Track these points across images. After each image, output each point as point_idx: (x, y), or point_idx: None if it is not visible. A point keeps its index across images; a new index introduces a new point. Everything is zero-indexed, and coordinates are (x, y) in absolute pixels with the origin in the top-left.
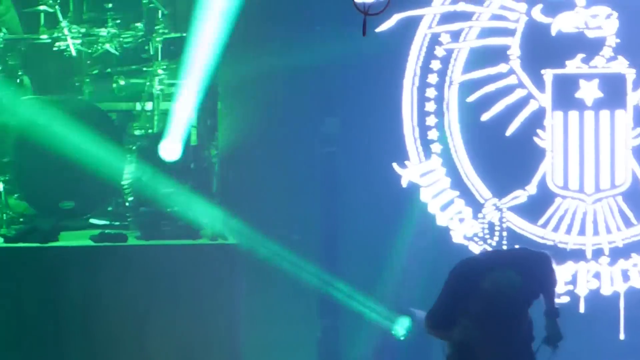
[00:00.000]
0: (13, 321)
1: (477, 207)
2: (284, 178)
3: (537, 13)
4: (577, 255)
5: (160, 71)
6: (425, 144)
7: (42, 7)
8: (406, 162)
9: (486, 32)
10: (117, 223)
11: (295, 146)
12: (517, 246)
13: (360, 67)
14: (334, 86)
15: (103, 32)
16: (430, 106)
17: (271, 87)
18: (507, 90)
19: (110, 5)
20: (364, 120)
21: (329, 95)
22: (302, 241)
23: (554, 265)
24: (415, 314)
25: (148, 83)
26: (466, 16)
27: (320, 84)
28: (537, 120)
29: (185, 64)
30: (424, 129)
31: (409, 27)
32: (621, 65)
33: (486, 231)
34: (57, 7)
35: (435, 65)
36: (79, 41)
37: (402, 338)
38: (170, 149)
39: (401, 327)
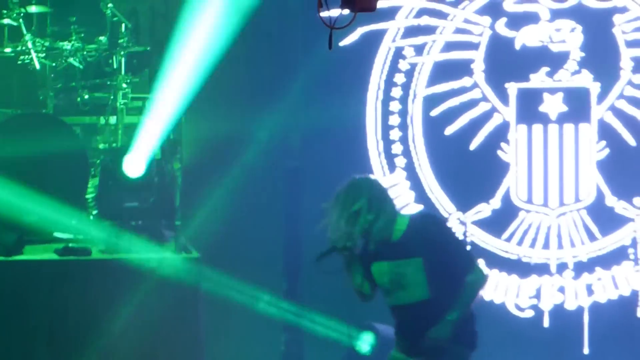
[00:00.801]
0: None
1: None
2: (247, 192)
3: (501, 27)
4: (542, 269)
5: (124, 85)
6: (389, 157)
7: (5, 21)
8: (370, 176)
9: (450, 46)
10: (82, 236)
11: (258, 160)
12: None
13: (324, 80)
14: (298, 100)
15: (67, 45)
16: (394, 120)
17: (234, 101)
18: (471, 104)
19: (74, 19)
20: (328, 134)
21: (293, 109)
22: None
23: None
24: (379, 329)
25: (112, 97)
26: (430, 30)
27: (285, 97)
28: (501, 134)
29: (151, 78)
30: (388, 142)
31: (373, 41)
32: (585, 79)
33: None
34: (21, 20)
35: (399, 79)
36: (43, 55)
37: (367, 354)
38: (135, 165)
39: (365, 343)
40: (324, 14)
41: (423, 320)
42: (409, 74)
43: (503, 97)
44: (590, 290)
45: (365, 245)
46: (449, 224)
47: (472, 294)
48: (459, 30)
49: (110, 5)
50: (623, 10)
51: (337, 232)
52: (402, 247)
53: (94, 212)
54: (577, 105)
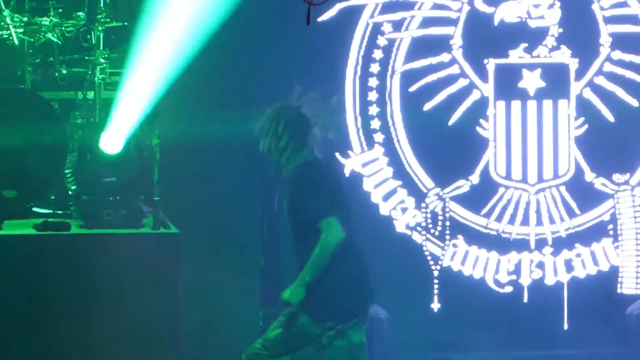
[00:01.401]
0: None
1: (419, 196)
2: (224, 168)
3: (479, 2)
4: (521, 245)
5: (102, 60)
6: (368, 133)
7: None
8: (349, 152)
9: (428, 22)
10: (60, 212)
11: (236, 135)
12: None
13: (302, 56)
14: (275, 76)
15: (45, 21)
16: (372, 95)
17: (211, 77)
18: (450, 79)
19: None
20: None
21: (271, 85)
22: (242, 231)
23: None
24: None
25: (90, 72)
26: (408, 5)
27: (262, 73)
28: (479, 110)
29: (129, 53)
30: (366, 118)
31: (350, 17)
32: (564, 55)
33: (429, 221)
34: None
35: (378, 54)
36: (21, 30)
37: None
38: (112, 142)
39: None
40: None
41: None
42: (387, 50)
43: (481, 73)
44: (569, 266)
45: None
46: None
47: (322, 253)
48: (437, 6)
49: None
50: None
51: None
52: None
53: (73, 187)
54: (556, 82)
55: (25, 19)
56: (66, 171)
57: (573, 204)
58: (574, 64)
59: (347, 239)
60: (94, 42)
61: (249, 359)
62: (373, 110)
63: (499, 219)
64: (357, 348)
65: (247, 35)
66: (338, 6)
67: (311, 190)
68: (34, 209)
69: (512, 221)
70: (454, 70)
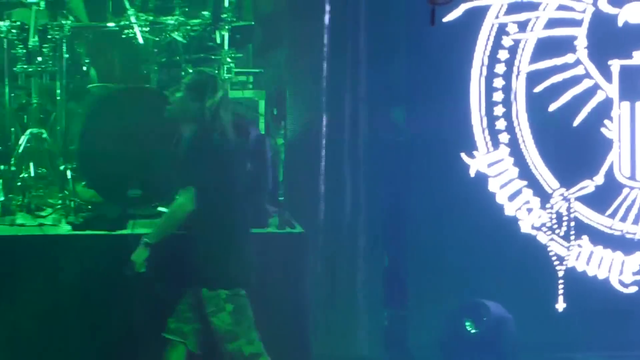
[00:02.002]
0: (78, 306)
1: (544, 197)
2: (349, 167)
3: (603, 4)
4: None
5: (227, 59)
6: (493, 133)
7: None
8: (474, 152)
9: (553, 23)
10: None
11: (362, 135)
12: None
13: (428, 57)
14: (401, 76)
15: (170, 20)
16: (498, 96)
17: (338, 77)
18: (575, 80)
19: None
20: (432, 110)
21: (397, 85)
22: (369, 231)
23: None
24: (489, 307)
25: (215, 71)
26: (533, 6)
27: (389, 73)
28: (604, 110)
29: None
30: (491, 118)
31: (476, 17)
32: None
33: (554, 221)
34: None
35: (503, 55)
36: (146, 29)
37: (474, 331)
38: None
39: (473, 320)
40: None
41: None
42: (513, 51)
43: (606, 74)
44: None
45: None
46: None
47: (167, 218)
48: (561, 7)
49: None
50: None
51: None
52: None
53: None
54: None
55: (150, 18)
56: None
57: None
58: None
59: (226, 217)
60: (219, 41)
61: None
62: (498, 110)
63: (623, 219)
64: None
65: (375, 36)
66: (463, 7)
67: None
68: (159, 209)
69: (636, 221)
70: (579, 71)
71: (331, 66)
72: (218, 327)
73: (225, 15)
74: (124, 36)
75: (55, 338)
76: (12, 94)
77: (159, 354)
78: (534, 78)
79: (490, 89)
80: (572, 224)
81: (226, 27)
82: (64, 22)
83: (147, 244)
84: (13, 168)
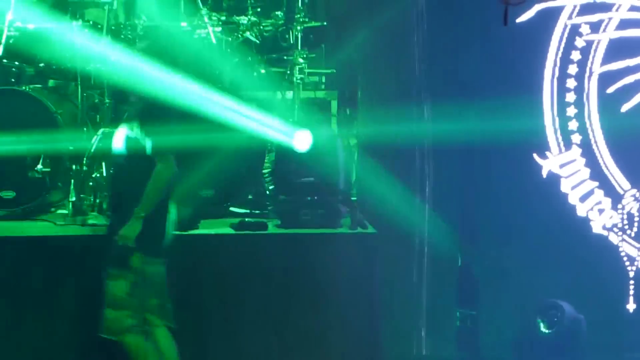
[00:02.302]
0: None
1: (616, 197)
2: (422, 166)
3: None
4: None
5: (300, 60)
6: (565, 134)
7: None
8: (547, 153)
9: (626, 24)
10: (258, 211)
11: (435, 137)
12: None
13: (501, 57)
14: (474, 77)
15: (243, 20)
16: (570, 97)
17: (409, 77)
18: None
19: None
20: (504, 111)
21: (470, 86)
22: (441, 231)
23: None
24: (564, 307)
25: (288, 72)
26: (606, 7)
27: (461, 74)
28: None
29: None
30: (564, 119)
31: (549, 18)
32: None
33: (625, 222)
34: None
35: (575, 56)
36: (219, 29)
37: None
38: (303, 138)
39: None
40: None
41: None
42: (585, 51)
43: None
44: None
45: None
46: None
47: (154, 184)
48: (634, 8)
49: None
50: None
51: None
52: None
53: (271, 187)
54: None
55: (223, 17)
56: (264, 171)
57: None
58: None
59: None
60: (292, 41)
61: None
62: (571, 111)
63: None
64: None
65: (446, 35)
66: (536, 7)
67: None
68: (231, 209)
69: None
70: None
71: (403, 66)
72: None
73: (298, 16)
74: (196, 36)
75: None
76: (85, 94)
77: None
78: (606, 79)
79: (562, 90)
80: None
81: (299, 27)
82: (136, 21)
83: (140, 217)
84: (85, 168)
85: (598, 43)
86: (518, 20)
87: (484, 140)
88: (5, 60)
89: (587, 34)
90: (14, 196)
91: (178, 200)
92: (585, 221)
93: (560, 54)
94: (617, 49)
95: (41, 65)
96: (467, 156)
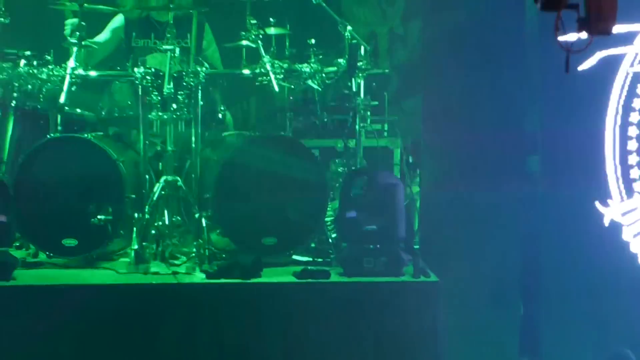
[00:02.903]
0: (214, 356)
1: None
2: (483, 215)
3: None
4: None
5: (363, 107)
6: (628, 182)
7: (244, 42)
8: (608, 201)
9: None
10: (320, 259)
11: (496, 184)
12: None
13: (562, 104)
14: (535, 124)
15: (306, 67)
16: (632, 145)
17: (471, 126)
18: None
19: (312, 41)
20: (565, 159)
21: (531, 134)
22: (504, 279)
23: None
24: (629, 356)
25: (351, 119)
26: None
27: (523, 122)
28: None
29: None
30: (626, 167)
31: (610, 66)
32: None
33: None
34: (259, 42)
35: (637, 104)
36: (281, 77)
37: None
38: (365, 186)
39: None
40: (561, 37)
41: None
42: None
43: None
44: None
45: None
46: None
47: None
48: None
49: (349, 27)
50: None
51: None
52: None
53: (333, 235)
54: None
55: (285, 65)
56: (326, 219)
57: None
58: None
59: None
60: (354, 89)
61: None
62: (633, 159)
63: None
64: None
65: (508, 84)
66: (598, 55)
67: None
68: (294, 257)
69: None
70: None
71: (464, 115)
72: None
73: (361, 63)
74: (258, 83)
75: None
76: (147, 142)
77: None
78: None
79: (624, 138)
80: None
81: (362, 75)
82: (199, 69)
83: None
84: (147, 216)
85: None
86: (580, 68)
87: (546, 188)
88: (67, 108)
89: None
90: (76, 244)
91: (240, 248)
92: None
93: (622, 102)
94: None
95: (103, 112)
96: (531, 204)
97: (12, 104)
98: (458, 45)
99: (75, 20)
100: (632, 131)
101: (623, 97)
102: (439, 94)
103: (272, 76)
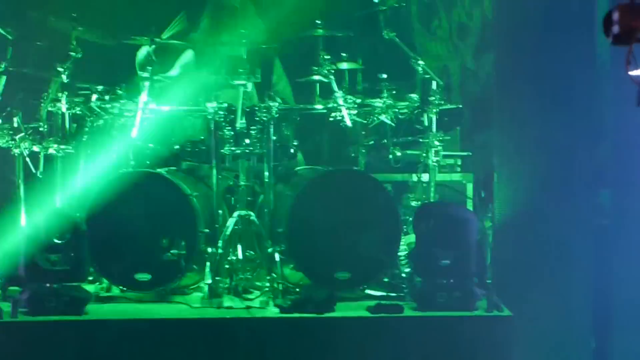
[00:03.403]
0: None
1: None
2: (557, 249)
3: None
4: None
5: (435, 142)
6: None
7: (316, 77)
8: None
9: None
10: (394, 294)
11: (568, 217)
12: None
13: (633, 137)
14: (607, 157)
15: (378, 102)
16: None
17: (543, 159)
18: None
19: (385, 75)
20: (637, 191)
21: (602, 166)
22: (576, 315)
23: None
24: None
25: (424, 154)
26: None
27: (594, 154)
28: None
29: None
30: None
31: None
32: None
33: None
34: (331, 77)
35: None
36: (354, 112)
37: None
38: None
39: None
40: (632, 72)
41: None
42: None
43: None
44: None
45: None
46: None
47: None
48: None
49: (421, 62)
50: None
51: None
52: None
53: (407, 269)
54: None
55: (358, 100)
56: (400, 253)
57: None
58: None
59: None
60: (427, 124)
61: None
62: None
63: None
64: None
65: (579, 111)
66: None
67: None
68: (367, 291)
69: None
70: None
71: (536, 148)
72: None
73: (433, 98)
74: (331, 119)
75: None
76: (220, 176)
77: None
78: None
79: None
80: None
81: (434, 109)
82: (271, 104)
83: None
84: (221, 250)
85: None
86: None
87: (618, 221)
88: (139, 143)
89: None
90: (150, 278)
91: (314, 282)
92: None
93: None
94: None
95: (176, 147)
96: (602, 238)
97: (84, 139)
98: (530, 79)
99: (146, 53)
100: None
101: None
102: (511, 128)
103: (345, 111)
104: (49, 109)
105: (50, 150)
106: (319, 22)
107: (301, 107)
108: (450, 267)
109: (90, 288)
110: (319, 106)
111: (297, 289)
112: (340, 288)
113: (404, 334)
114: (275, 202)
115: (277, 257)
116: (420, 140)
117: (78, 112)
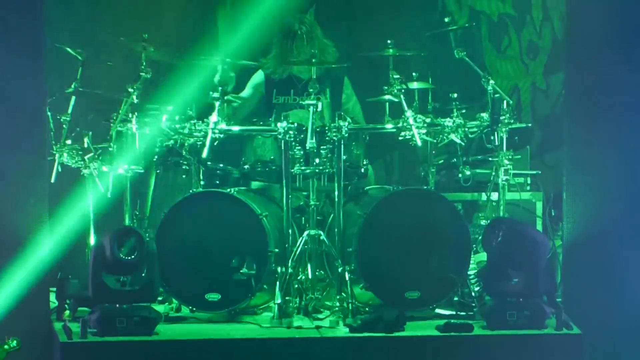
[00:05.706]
0: None
1: None
2: (627, 268)
3: None
4: None
5: (505, 161)
6: None
7: (387, 97)
8: None
9: None
10: (463, 313)
11: (637, 236)
12: None
13: None
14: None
15: (448, 122)
16: None
17: (613, 179)
18: None
19: (455, 95)
20: None
21: None
22: None
23: None
24: None
25: (494, 173)
26: None
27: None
28: None
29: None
30: None
31: None
32: None
33: None
34: (402, 96)
35: None
36: (424, 131)
37: None
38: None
39: None
40: None
41: None
42: None
43: None
44: None
45: None
46: None
47: None
48: None
49: (491, 81)
50: None
51: None
52: None
53: (476, 288)
54: None
55: (428, 119)
56: (469, 272)
57: None
58: None
59: None
60: (497, 143)
61: None
62: None
63: None
64: None
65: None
66: None
67: None
68: (437, 310)
69: None
70: None
71: (607, 168)
72: None
73: (503, 117)
74: (401, 138)
75: None
76: (290, 196)
77: None
78: None
79: None
80: None
81: (504, 128)
82: (341, 123)
83: None
84: (290, 270)
85: None
86: None
87: None
88: (209, 163)
89: None
90: (219, 298)
91: (384, 302)
92: None
93: None
94: None
95: (246, 167)
96: None
97: (154, 159)
98: (600, 98)
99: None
100: None
101: None
102: (582, 147)
103: (415, 130)
104: (119, 129)
105: (120, 170)
106: (389, 41)
107: (371, 127)
108: (520, 286)
109: (159, 308)
110: (389, 125)
111: (367, 309)
112: (410, 307)
113: (473, 352)
114: (345, 221)
115: (347, 276)
116: (490, 159)
117: (148, 133)
